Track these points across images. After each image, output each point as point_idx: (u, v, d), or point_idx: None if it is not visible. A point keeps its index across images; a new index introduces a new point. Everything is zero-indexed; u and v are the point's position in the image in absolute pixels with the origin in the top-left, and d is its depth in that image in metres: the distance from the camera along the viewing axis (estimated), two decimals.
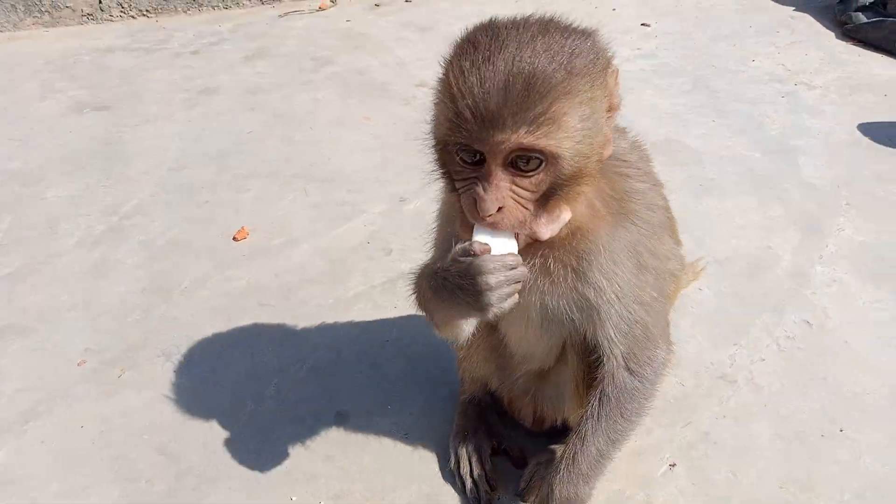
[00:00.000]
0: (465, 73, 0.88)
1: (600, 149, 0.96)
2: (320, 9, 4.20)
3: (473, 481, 1.36)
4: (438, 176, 1.03)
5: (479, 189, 0.92)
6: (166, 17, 4.10)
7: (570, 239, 1.04)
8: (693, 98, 2.88)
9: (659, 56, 3.26)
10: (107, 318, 1.88)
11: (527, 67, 0.86)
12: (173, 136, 2.80)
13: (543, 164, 0.91)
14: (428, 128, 1.00)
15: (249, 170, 2.54)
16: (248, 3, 4.26)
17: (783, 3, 3.88)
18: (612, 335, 1.10)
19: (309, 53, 3.55)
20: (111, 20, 4.03)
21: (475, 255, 0.95)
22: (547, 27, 0.91)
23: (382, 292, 1.92)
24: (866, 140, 2.53)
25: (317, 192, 2.40)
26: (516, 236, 0.97)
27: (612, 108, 0.97)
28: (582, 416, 1.16)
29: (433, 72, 3.46)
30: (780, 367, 1.61)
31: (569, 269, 1.06)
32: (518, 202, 0.94)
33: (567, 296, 1.08)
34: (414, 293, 1.12)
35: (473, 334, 1.17)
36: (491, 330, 1.34)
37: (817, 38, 3.42)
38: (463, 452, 1.41)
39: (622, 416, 1.13)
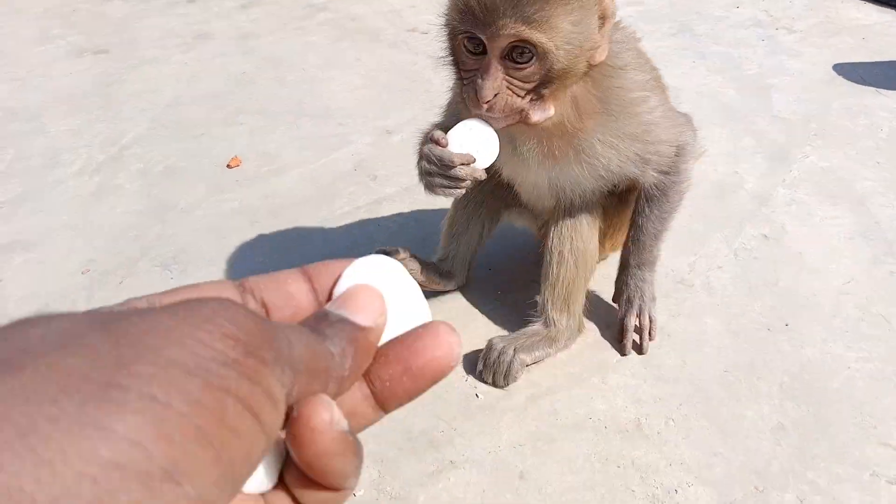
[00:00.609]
0: None
1: (589, 52, 1.10)
2: None
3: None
4: (448, 64, 1.20)
5: (479, 79, 1.06)
6: None
7: (565, 130, 1.20)
8: (676, 41, 2.96)
9: (645, 2, 3.32)
10: (106, 235, 1.99)
11: None
12: (169, 78, 2.89)
13: (535, 58, 1.05)
14: (443, 20, 1.16)
15: (242, 107, 2.64)
16: None
17: None
18: (635, 172, 1.31)
19: (302, 1, 3.62)
20: None
21: (432, 141, 1.13)
22: None
23: (367, 212, 2.03)
24: (840, 79, 2.61)
25: (307, 125, 2.50)
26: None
27: (603, 18, 1.10)
28: (634, 213, 1.44)
29: (424, 18, 3.58)
30: (735, 274, 1.72)
31: (569, 153, 1.24)
32: (511, 90, 1.08)
33: (575, 169, 1.27)
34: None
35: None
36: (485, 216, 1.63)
37: None
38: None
39: (667, 201, 1.40)
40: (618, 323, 1.54)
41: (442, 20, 1.15)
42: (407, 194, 2.08)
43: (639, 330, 1.51)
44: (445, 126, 1.19)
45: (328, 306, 0.37)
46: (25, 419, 0.22)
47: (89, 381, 0.24)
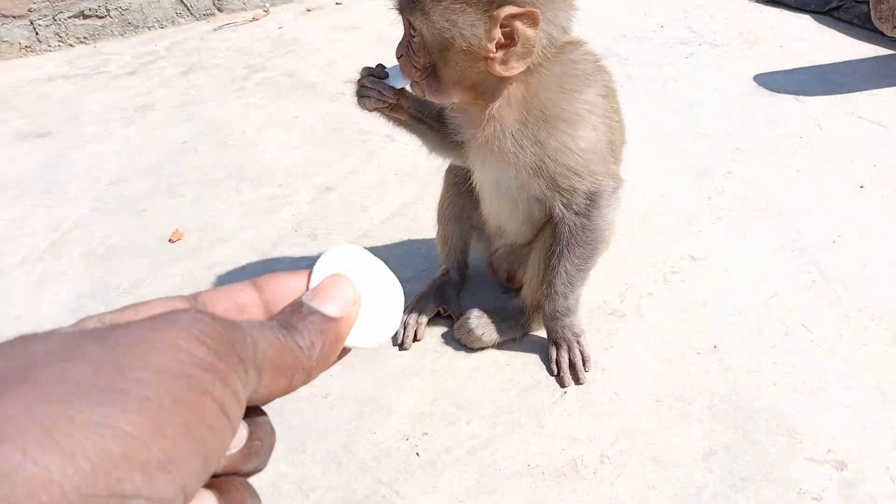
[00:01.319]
0: None
1: (472, 55, 1.23)
2: (254, 19, 4.33)
3: (404, 331, 1.71)
4: None
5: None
6: (104, 42, 4.21)
7: (490, 127, 1.34)
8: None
9: (576, 32, 3.41)
10: (54, 323, 2.00)
11: None
12: (111, 154, 2.92)
13: (418, 36, 1.26)
14: None
15: (184, 177, 2.67)
16: (182, 21, 4.37)
17: None
18: (547, 193, 1.40)
19: (242, 62, 3.68)
20: (50, 50, 4.13)
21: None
22: None
23: None
24: (761, 89, 2.69)
25: (248, 190, 2.53)
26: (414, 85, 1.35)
27: (508, 38, 1.20)
28: (554, 250, 1.49)
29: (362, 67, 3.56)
30: (665, 299, 1.76)
31: (495, 151, 1.36)
32: (412, 59, 1.30)
33: (503, 170, 1.39)
34: None
35: (446, 198, 1.78)
36: (462, 193, 1.72)
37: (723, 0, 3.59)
38: (410, 315, 1.75)
39: (580, 246, 1.45)
40: (553, 363, 1.58)
41: None
42: None
43: (573, 366, 1.55)
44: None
45: (303, 297, 0.40)
46: (49, 420, 0.26)
47: (95, 387, 0.28)
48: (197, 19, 4.40)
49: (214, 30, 4.21)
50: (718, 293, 1.76)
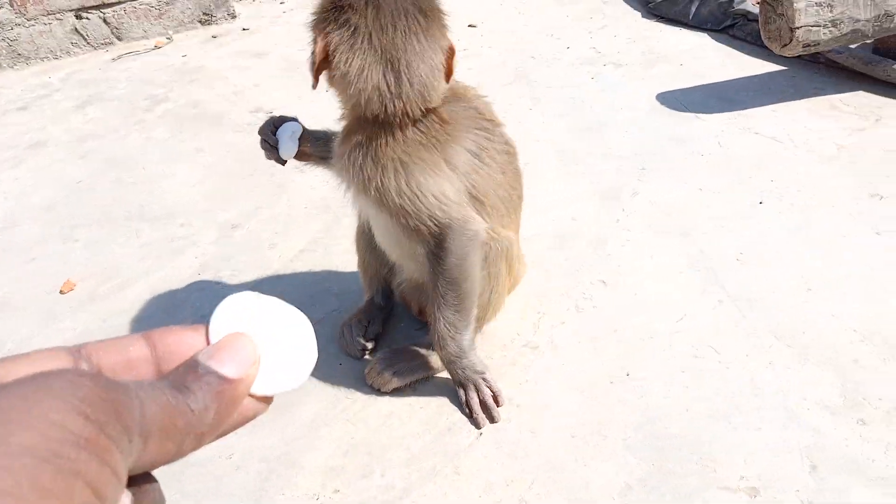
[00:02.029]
0: None
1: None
2: (156, 46, 4.16)
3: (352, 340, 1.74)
4: None
5: None
6: None
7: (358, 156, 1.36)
8: (513, 89, 3.05)
9: (483, 54, 3.42)
10: None
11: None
12: None
13: None
14: None
15: (79, 219, 2.51)
16: (79, 50, 4.16)
17: None
18: (406, 233, 1.39)
19: (143, 93, 3.51)
20: None
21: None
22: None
23: None
24: (663, 108, 2.76)
25: (147, 231, 2.39)
26: None
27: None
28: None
29: (269, 97, 3.52)
30: (577, 328, 1.75)
31: (362, 181, 1.37)
32: None
33: (371, 203, 1.40)
34: None
35: (361, 229, 1.76)
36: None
37: (625, 19, 3.68)
38: (345, 329, 1.76)
39: (449, 290, 1.43)
40: (464, 406, 1.54)
41: None
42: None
43: (484, 406, 1.51)
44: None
45: (199, 355, 0.37)
46: None
47: None
48: (95, 48, 4.19)
49: (114, 59, 4.02)
50: (629, 318, 1.76)
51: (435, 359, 1.61)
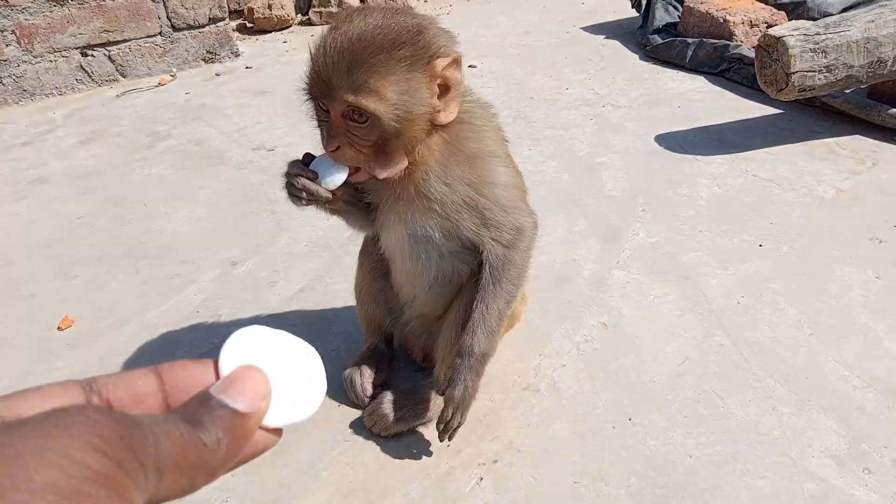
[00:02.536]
0: (319, 44, 1.20)
1: (428, 115, 1.24)
2: (160, 84, 4.21)
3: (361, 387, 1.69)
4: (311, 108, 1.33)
5: (325, 130, 1.25)
6: None
7: (415, 174, 1.33)
8: (511, 129, 3.08)
9: (483, 94, 3.46)
10: None
11: (356, 48, 1.16)
12: None
13: (369, 120, 1.20)
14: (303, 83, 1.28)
15: (78, 256, 2.50)
16: (83, 87, 4.21)
17: (595, 33, 4.22)
18: (475, 231, 1.39)
19: (146, 130, 3.55)
20: None
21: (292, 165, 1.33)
22: (389, 18, 1.20)
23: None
24: (661, 149, 2.79)
25: (147, 268, 2.39)
26: (356, 171, 1.29)
27: (445, 86, 1.23)
28: (479, 289, 1.43)
29: (270, 134, 3.55)
30: (578, 370, 1.74)
31: (420, 198, 1.35)
32: (355, 145, 1.24)
33: (425, 219, 1.37)
34: None
35: (364, 280, 1.72)
36: (379, 274, 1.69)
37: (623, 61, 3.74)
38: (354, 374, 1.71)
39: (508, 281, 1.43)
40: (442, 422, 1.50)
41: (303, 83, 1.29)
42: None
43: (448, 426, 1.48)
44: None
45: (211, 389, 0.38)
46: None
47: None
48: (99, 85, 4.24)
49: (117, 96, 4.07)
50: (631, 362, 1.75)
51: (436, 403, 1.59)
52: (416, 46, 1.19)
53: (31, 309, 2.24)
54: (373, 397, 1.68)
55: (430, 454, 1.56)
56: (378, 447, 1.59)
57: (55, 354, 2.03)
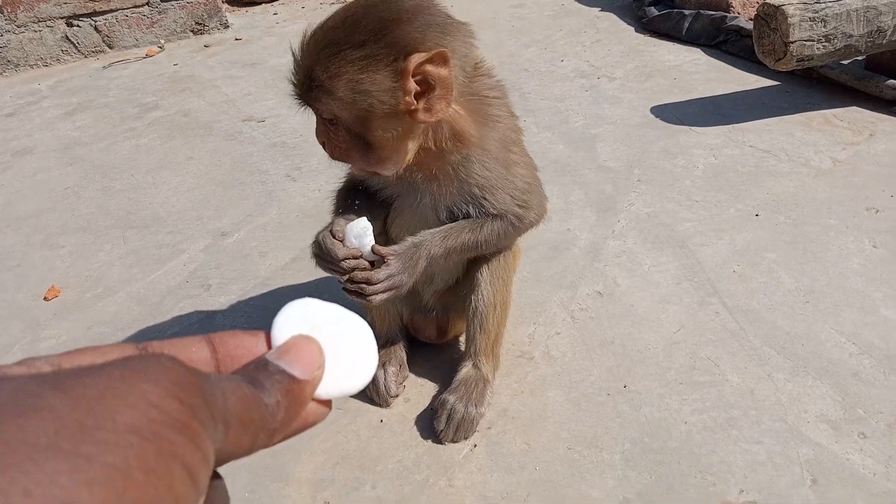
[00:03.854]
0: (303, 41, 1.18)
1: (394, 114, 1.16)
2: (147, 55, 4.13)
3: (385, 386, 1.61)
4: None
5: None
6: None
7: (447, 152, 1.28)
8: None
9: None
10: None
11: (321, 45, 1.14)
12: None
13: (334, 118, 1.19)
14: None
15: (64, 226, 2.46)
16: (69, 58, 4.13)
17: (590, 5, 4.16)
18: (500, 209, 1.37)
19: (133, 101, 3.48)
20: None
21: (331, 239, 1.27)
22: (355, 22, 1.13)
23: (199, 329, 1.90)
24: (657, 121, 2.75)
25: (134, 238, 2.35)
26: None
27: (424, 84, 1.14)
28: (469, 221, 1.39)
29: (260, 105, 3.48)
30: (573, 338, 1.72)
31: (451, 175, 1.32)
32: (336, 142, 1.23)
33: (455, 194, 1.35)
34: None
35: None
36: None
37: (619, 33, 3.70)
38: (377, 371, 1.56)
39: (494, 237, 1.40)
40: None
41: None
42: (242, 304, 1.97)
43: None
44: (353, 183, 1.43)
45: (267, 355, 0.38)
46: (1, 495, 0.23)
47: (56, 450, 0.25)
48: (85, 56, 4.16)
49: (104, 67, 3.99)
50: (626, 329, 1.73)
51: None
52: (378, 44, 1.12)
53: (16, 279, 2.20)
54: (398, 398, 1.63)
55: (423, 421, 1.55)
56: (370, 414, 1.57)
57: (41, 324, 1.99)
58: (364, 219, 1.29)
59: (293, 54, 1.20)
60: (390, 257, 1.29)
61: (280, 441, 0.38)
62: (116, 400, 0.27)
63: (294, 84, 1.21)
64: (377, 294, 1.27)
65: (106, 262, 2.24)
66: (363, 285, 1.26)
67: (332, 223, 1.33)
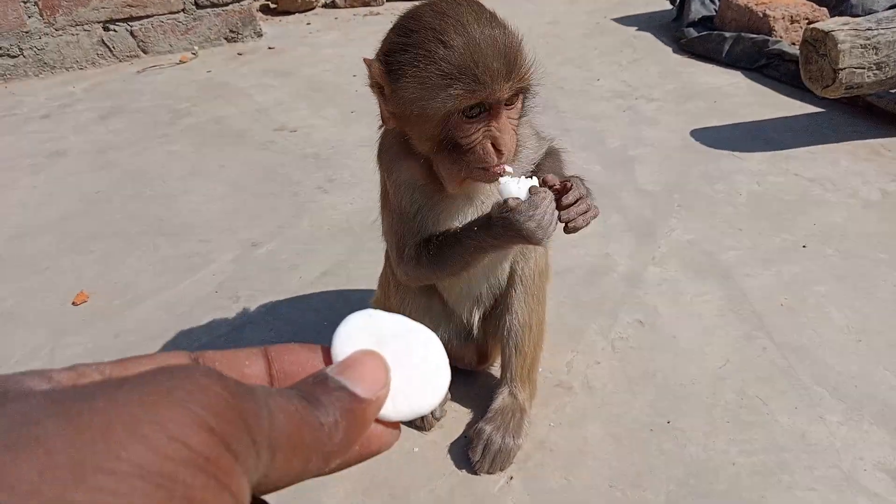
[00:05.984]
0: (467, 47, 1.08)
1: None
2: (181, 61, 4.15)
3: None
4: (426, 148, 1.21)
5: (495, 131, 1.14)
6: (17, 82, 3.94)
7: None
8: (541, 119, 2.98)
9: None
10: None
11: (500, 33, 1.11)
12: (14, 205, 2.66)
13: (521, 95, 1.19)
14: (417, 111, 1.12)
15: (94, 231, 2.45)
16: (104, 62, 4.16)
17: (626, 25, 4.12)
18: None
19: (166, 107, 3.49)
20: None
21: (510, 209, 1.12)
22: (502, 23, 1.15)
23: (227, 342, 1.87)
24: (697, 144, 2.69)
25: (165, 246, 2.33)
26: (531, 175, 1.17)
27: None
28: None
29: (293, 115, 3.45)
30: (613, 368, 1.66)
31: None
32: (510, 130, 1.16)
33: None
34: (414, 259, 1.29)
35: (406, 300, 1.49)
36: (421, 292, 1.51)
37: (656, 54, 3.64)
38: None
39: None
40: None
41: (421, 110, 1.13)
42: (271, 315, 1.94)
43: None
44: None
45: (328, 370, 0.35)
46: None
47: (36, 498, 0.21)
48: (120, 61, 4.19)
49: (138, 72, 4.01)
50: (668, 362, 1.67)
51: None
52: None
53: (45, 283, 2.19)
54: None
55: (457, 450, 1.49)
56: (402, 440, 1.52)
57: (69, 330, 1.97)
58: (515, 178, 1.16)
59: (472, 58, 1.08)
60: (567, 183, 1.23)
61: (338, 468, 0.33)
62: (126, 431, 0.23)
63: (487, 83, 1.09)
64: (593, 205, 1.26)
65: (135, 269, 2.22)
66: (579, 208, 1.21)
67: (500, 208, 1.15)
